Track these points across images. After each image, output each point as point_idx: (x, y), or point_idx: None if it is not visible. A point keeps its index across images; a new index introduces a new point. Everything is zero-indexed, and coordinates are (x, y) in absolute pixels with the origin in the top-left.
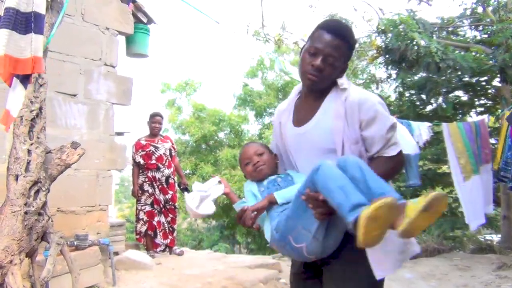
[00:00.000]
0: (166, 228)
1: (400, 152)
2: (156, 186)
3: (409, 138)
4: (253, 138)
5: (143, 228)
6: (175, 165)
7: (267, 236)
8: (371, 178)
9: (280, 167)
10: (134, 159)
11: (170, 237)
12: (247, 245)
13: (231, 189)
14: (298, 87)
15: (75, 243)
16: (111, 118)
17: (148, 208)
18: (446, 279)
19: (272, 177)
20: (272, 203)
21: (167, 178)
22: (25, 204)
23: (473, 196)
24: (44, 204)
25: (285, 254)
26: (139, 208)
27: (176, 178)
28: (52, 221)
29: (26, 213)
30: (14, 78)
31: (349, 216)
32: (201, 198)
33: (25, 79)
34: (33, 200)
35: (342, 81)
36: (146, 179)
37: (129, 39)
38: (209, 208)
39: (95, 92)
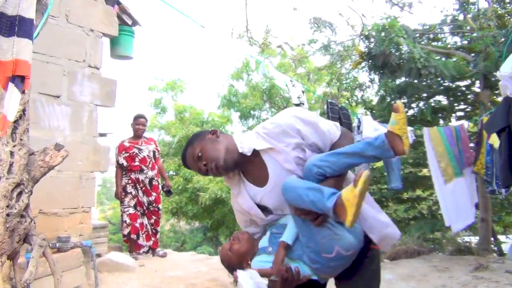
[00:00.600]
0: (149, 230)
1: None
2: (139, 188)
3: None
4: None
5: (126, 231)
6: (159, 167)
7: (308, 273)
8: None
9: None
10: (117, 161)
11: (153, 239)
12: None
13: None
14: None
15: (57, 245)
16: (95, 120)
17: (131, 210)
18: (425, 280)
19: (267, 235)
20: (287, 248)
21: (151, 180)
22: (7, 206)
23: (456, 198)
24: (27, 206)
25: (337, 270)
26: (122, 210)
27: (159, 180)
28: (34, 223)
29: (8, 215)
30: (10, 83)
31: (328, 203)
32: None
33: (20, 84)
34: (16, 202)
35: (242, 144)
36: (129, 181)
37: (114, 41)
38: None
39: (79, 94)
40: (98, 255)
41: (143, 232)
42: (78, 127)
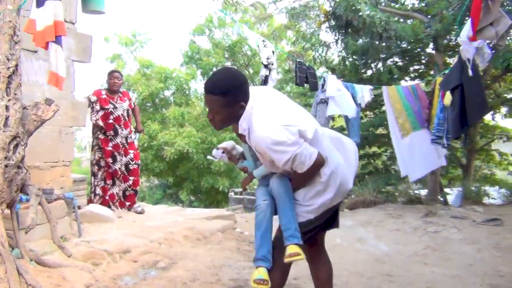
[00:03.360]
0: (121, 197)
1: (311, 166)
2: (117, 154)
3: (351, 103)
4: (200, 97)
5: (96, 201)
6: (135, 112)
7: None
8: (281, 213)
9: None
10: (92, 109)
11: (128, 203)
12: (191, 204)
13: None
14: None
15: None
16: (72, 75)
17: (102, 183)
18: (381, 226)
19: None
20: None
21: (126, 138)
22: (5, 158)
23: (412, 150)
24: (23, 158)
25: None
26: (95, 183)
27: (133, 135)
28: (29, 174)
29: (6, 166)
30: (51, 43)
31: (254, 264)
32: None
33: (61, 42)
34: (13, 154)
35: (242, 124)
36: (103, 156)
37: None
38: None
39: None
40: (79, 207)
41: (115, 201)
42: None
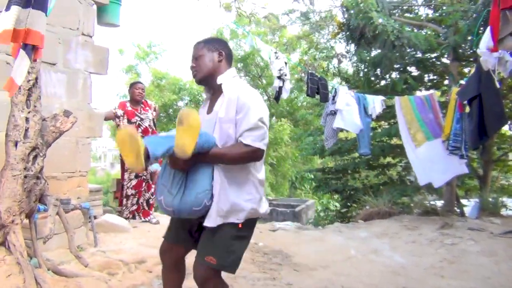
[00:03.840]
0: (145, 206)
1: (255, 148)
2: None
3: (357, 120)
4: None
5: (135, 201)
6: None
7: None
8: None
9: None
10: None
11: (151, 211)
12: None
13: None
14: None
15: None
16: (89, 87)
17: (133, 182)
18: (397, 237)
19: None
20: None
21: None
22: (25, 169)
23: (431, 158)
24: (41, 168)
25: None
26: (125, 186)
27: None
28: (48, 184)
29: (25, 176)
30: (21, 50)
31: None
32: None
33: (30, 52)
34: (32, 165)
35: (221, 78)
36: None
37: (101, 9)
38: None
39: (73, 61)
40: (95, 217)
41: (139, 211)
42: (73, 94)
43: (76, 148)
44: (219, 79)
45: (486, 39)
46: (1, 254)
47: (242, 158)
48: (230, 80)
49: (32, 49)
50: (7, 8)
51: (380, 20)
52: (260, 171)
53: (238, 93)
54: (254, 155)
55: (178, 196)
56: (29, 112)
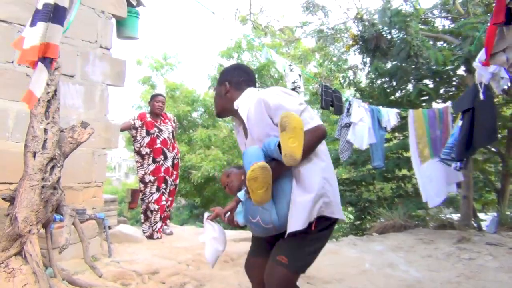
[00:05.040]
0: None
1: (315, 127)
2: (169, 178)
3: (365, 138)
4: (227, 120)
5: (158, 218)
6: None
7: (240, 222)
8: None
9: None
10: (137, 150)
11: (164, 224)
12: None
13: (223, 211)
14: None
15: None
16: (106, 98)
17: (155, 196)
18: (413, 251)
19: None
20: (237, 202)
21: (173, 160)
22: (42, 179)
23: (430, 177)
24: (59, 179)
25: (254, 233)
26: (147, 201)
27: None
28: (64, 195)
29: (43, 187)
30: (39, 63)
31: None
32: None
33: (49, 65)
34: (49, 175)
35: (236, 104)
36: (148, 171)
37: (120, 22)
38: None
39: (91, 74)
40: (109, 227)
41: (162, 216)
42: (91, 106)
43: (92, 159)
44: (235, 106)
45: (482, 53)
46: (17, 264)
47: (310, 143)
48: (244, 102)
49: (50, 62)
50: (33, 23)
51: (412, 31)
52: (327, 171)
53: (259, 103)
54: (318, 133)
55: (272, 210)
56: (47, 124)
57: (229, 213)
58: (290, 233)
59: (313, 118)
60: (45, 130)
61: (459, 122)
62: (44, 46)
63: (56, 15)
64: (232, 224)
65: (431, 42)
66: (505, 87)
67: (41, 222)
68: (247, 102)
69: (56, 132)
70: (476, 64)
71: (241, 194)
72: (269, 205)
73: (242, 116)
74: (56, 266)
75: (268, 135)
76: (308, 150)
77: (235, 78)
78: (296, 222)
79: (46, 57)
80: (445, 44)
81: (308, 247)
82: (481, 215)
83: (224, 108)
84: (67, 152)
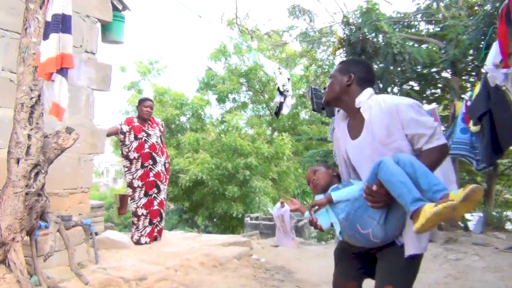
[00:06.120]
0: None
1: (443, 144)
2: (160, 182)
3: None
4: (215, 123)
5: (147, 222)
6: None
7: (325, 227)
8: (421, 175)
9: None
10: (125, 154)
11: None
12: (206, 229)
13: (299, 205)
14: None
15: None
16: (92, 103)
17: (143, 201)
18: None
19: (334, 185)
20: (330, 201)
21: (164, 165)
22: (26, 186)
23: None
24: (43, 185)
25: (353, 241)
26: (135, 206)
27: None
28: (49, 201)
29: (27, 194)
30: (56, 74)
31: (411, 206)
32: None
33: (66, 74)
34: (33, 182)
35: (357, 101)
36: (136, 176)
37: (105, 26)
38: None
39: (76, 78)
40: (96, 234)
41: (159, 220)
42: (76, 111)
43: (78, 165)
44: (357, 103)
45: (493, 55)
46: (1, 272)
47: (437, 161)
48: (366, 102)
49: (66, 71)
50: (46, 36)
51: (386, 29)
52: None
53: (391, 108)
54: (444, 151)
55: (384, 226)
56: (31, 129)
57: (313, 212)
58: (394, 257)
59: (441, 135)
60: (29, 136)
61: (461, 123)
62: (60, 57)
63: (64, 24)
64: (315, 227)
65: (416, 45)
66: None
67: (25, 229)
68: (367, 102)
69: (40, 138)
70: (487, 67)
71: (336, 196)
72: (382, 220)
73: (364, 116)
74: (41, 274)
75: (390, 141)
76: (434, 168)
77: (361, 74)
78: (418, 246)
79: (62, 68)
80: (430, 47)
81: (413, 272)
82: (467, 216)
83: (338, 98)
84: (51, 158)
